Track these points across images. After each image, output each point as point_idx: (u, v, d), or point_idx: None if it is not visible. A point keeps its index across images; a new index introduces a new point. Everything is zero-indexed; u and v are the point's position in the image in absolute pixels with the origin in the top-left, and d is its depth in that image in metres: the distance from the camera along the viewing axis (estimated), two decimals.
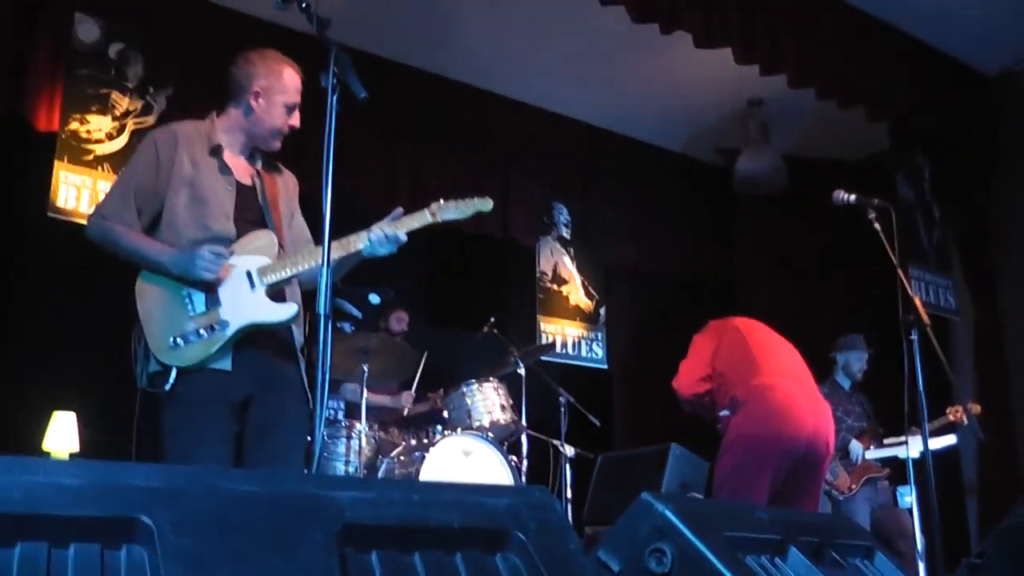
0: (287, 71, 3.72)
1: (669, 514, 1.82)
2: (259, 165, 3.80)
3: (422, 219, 3.70)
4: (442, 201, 3.79)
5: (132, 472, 1.40)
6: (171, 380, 3.33)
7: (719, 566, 1.75)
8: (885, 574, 2.32)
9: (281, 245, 3.65)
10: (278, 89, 3.68)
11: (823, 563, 2.11)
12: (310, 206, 3.90)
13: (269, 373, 3.54)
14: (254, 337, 3.48)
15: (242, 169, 3.74)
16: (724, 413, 5.04)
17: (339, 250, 3.54)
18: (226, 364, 3.42)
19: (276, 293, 3.55)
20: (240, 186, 3.69)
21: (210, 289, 3.43)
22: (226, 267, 3.45)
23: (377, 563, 1.50)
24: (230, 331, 3.40)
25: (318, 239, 3.54)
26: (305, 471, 3.20)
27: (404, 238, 3.63)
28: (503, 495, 1.71)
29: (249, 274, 3.49)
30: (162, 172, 3.56)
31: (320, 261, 3.08)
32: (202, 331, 3.37)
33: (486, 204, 3.89)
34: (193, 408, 3.36)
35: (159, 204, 3.56)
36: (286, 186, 3.88)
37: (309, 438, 3.08)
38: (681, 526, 1.79)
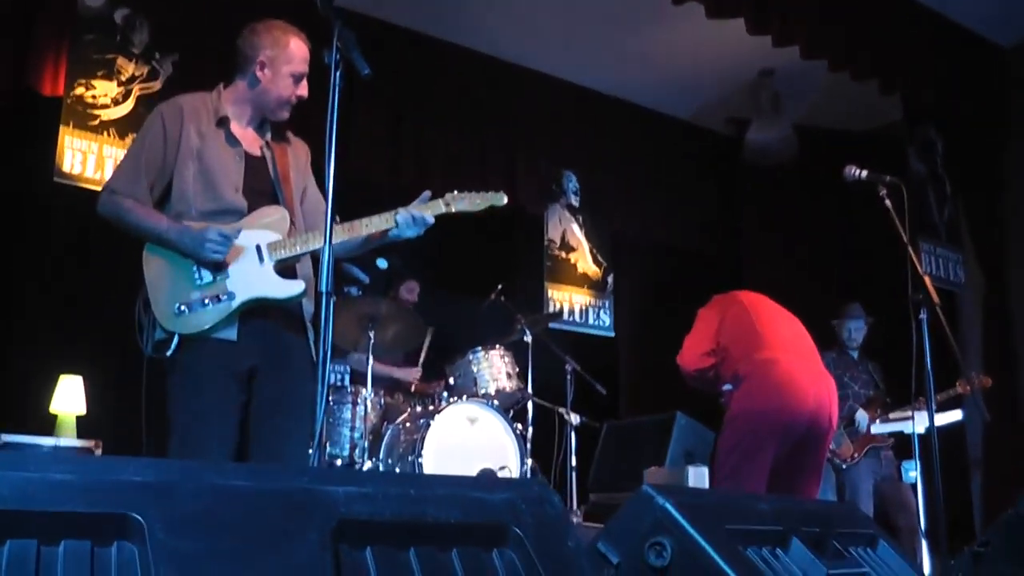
0: (293, 40, 3.67)
1: (669, 507, 1.80)
2: (268, 136, 3.77)
3: (436, 208, 3.70)
4: (456, 192, 3.79)
5: (123, 467, 1.39)
6: (173, 346, 3.34)
7: (718, 560, 1.74)
8: (888, 562, 2.31)
9: (292, 220, 3.63)
10: (284, 59, 3.64)
11: (825, 554, 2.09)
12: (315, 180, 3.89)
13: (276, 345, 3.54)
14: (262, 309, 3.49)
15: (250, 140, 3.71)
16: (727, 387, 5.01)
17: (353, 232, 3.58)
18: (231, 334, 3.42)
19: (285, 268, 3.54)
20: (249, 157, 3.67)
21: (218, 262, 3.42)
22: (235, 248, 3.44)
23: (372, 560, 1.49)
24: (235, 303, 3.40)
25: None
26: (310, 446, 3.20)
27: (432, 220, 3.65)
28: (501, 489, 1.69)
29: (259, 248, 3.49)
30: (169, 145, 3.56)
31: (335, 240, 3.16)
32: (207, 301, 3.37)
33: (500, 199, 3.90)
34: (196, 376, 3.37)
35: (168, 177, 3.55)
36: (296, 156, 3.85)
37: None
38: (681, 520, 1.78)
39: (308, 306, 3.67)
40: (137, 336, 3.46)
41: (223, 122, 3.65)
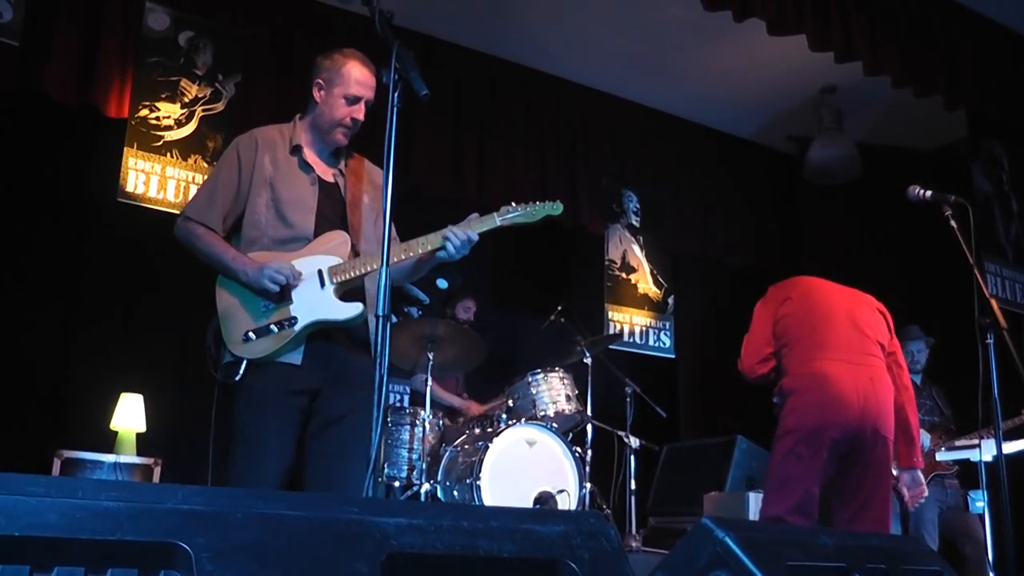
0: (350, 63, 3.73)
1: (729, 541, 1.75)
2: (342, 165, 3.85)
3: (491, 222, 3.70)
4: (513, 204, 3.78)
5: (171, 495, 1.38)
6: (241, 371, 3.45)
7: None
8: None
9: (355, 245, 3.67)
10: (337, 81, 3.72)
11: None
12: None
13: (340, 367, 3.60)
14: (327, 332, 3.57)
15: (323, 167, 3.80)
16: (776, 400, 4.89)
17: (410, 252, 3.60)
18: (296, 358, 3.51)
19: (347, 292, 3.59)
20: (323, 183, 3.75)
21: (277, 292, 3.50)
22: (298, 275, 3.53)
23: None
24: (298, 327, 3.48)
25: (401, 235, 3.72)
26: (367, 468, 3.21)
27: (476, 238, 3.63)
28: (556, 522, 1.65)
29: (320, 273, 3.55)
30: (243, 175, 3.68)
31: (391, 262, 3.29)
32: (273, 327, 3.48)
33: (556, 208, 3.90)
34: (259, 398, 3.47)
35: (241, 205, 3.67)
36: (372, 183, 3.89)
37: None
38: (741, 555, 1.72)
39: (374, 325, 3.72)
40: (209, 364, 3.58)
41: (296, 150, 3.75)
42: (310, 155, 3.77)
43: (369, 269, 3.54)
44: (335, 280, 3.53)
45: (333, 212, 3.71)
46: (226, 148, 3.86)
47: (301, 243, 3.60)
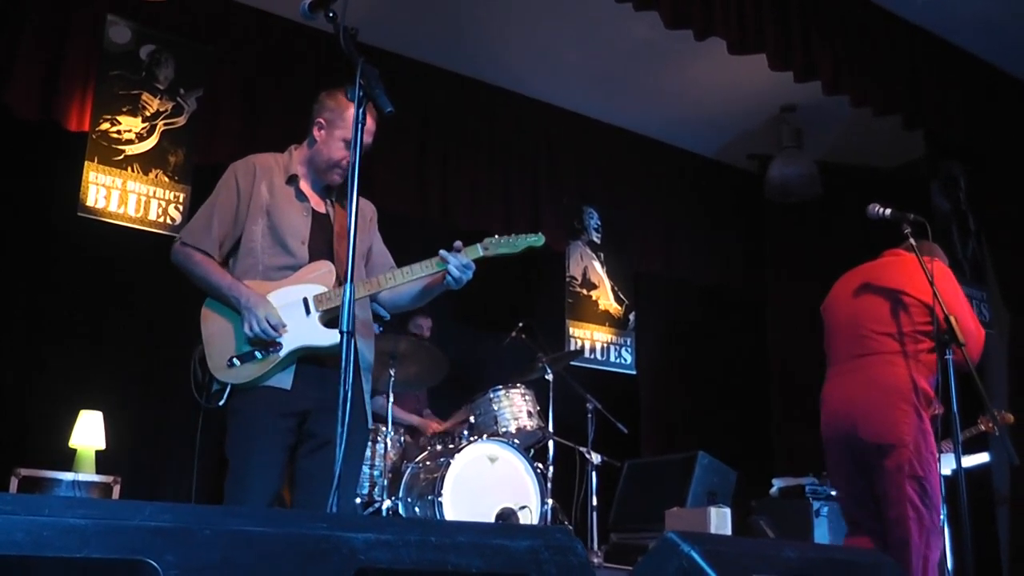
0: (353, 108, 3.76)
1: (695, 555, 1.76)
2: (333, 197, 3.89)
3: (474, 253, 3.74)
4: (496, 236, 3.84)
5: (138, 511, 1.37)
6: (225, 397, 3.49)
7: None
8: None
9: (339, 275, 3.69)
10: (339, 123, 3.75)
11: None
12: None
13: (331, 391, 3.57)
14: (318, 357, 3.61)
15: (316, 199, 3.85)
16: None
17: (411, 276, 3.70)
18: (285, 382, 3.57)
19: (332, 320, 3.58)
20: (315, 213, 3.80)
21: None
22: (284, 303, 3.59)
23: None
24: (283, 353, 3.53)
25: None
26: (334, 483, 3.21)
27: (472, 264, 3.72)
28: (523, 537, 1.66)
29: (306, 301, 3.61)
30: (241, 201, 3.74)
31: (381, 286, 3.65)
32: (258, 353, 3.52)
33: (538, 240, 3.95)
34: (248, 422, 3.52)
35: (239, 231, 3.72)
36: (362, 217, 3.89)
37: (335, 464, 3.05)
38: (707, 568, 1.74)
39: (366, 353, 3.78)
40: (193, 391, 3.59)
41: (292, 179, 3.80)
42: (305, 186, 3.82)
43: (357, 295, 3.56)
44: (320, 308, 3.59)
45: (323, 242, 3.76)
46: (224, 171, 3.88)
47: (295, 271, 3.66)
